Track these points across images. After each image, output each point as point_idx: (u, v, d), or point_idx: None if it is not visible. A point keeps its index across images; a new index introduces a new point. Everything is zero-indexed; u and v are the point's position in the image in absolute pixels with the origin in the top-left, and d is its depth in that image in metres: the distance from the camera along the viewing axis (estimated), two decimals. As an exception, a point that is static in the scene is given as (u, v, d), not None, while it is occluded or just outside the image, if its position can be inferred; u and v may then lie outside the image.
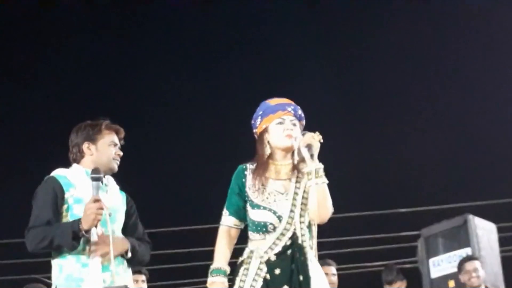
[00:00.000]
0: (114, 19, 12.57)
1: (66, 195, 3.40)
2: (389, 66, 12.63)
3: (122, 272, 3.41)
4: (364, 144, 13.03)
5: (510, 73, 11.94)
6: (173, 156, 12.37)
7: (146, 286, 6.06)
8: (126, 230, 3.58)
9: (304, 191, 3.41)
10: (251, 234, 3.45)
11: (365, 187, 12.31)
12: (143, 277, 6.00)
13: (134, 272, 5.99)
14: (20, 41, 12.35)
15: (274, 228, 3.35)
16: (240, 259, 3.44)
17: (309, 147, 3.34)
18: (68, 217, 3.38)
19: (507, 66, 11.86)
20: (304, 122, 3.55)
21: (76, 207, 3.38)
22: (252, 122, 3.58)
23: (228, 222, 3.46)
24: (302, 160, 3.41)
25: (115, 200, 3.50)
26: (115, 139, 3.59)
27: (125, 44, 12.86)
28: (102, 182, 3.40)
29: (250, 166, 3.49)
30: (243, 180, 3.45)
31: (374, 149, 12.97)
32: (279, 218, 3.36)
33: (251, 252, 3.39)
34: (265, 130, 3.48)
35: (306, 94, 12.84)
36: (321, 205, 3.29)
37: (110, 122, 3.64)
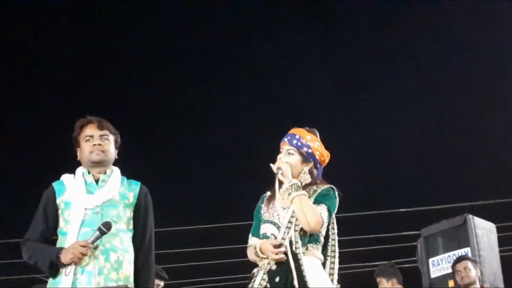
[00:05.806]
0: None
1: (58, 201, 3.47)
2: (388, 69, 12.66)
3: (115, 275, 3.37)
4: (364, 145, 13.06)
5: (510, 75, 11.96)
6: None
7: None
8: (136, 224, 3.54)
9: None
10: None
11: (365, 187, 12.33)
12: (157, 282, 5.73)
13: None
14: (21, 42, 12.37)
15: (275, 238, 3.58)
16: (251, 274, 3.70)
17: (279, 169, 3.61)
18: (61, 222, 3.45)
19: (507, 67, 11.88)
20: (306, 149, 3.73)
21: (66, 212, 3.44)
22: None
23: (251, 243, 3.76)
24: (306, 183, 3.69)
25: (110, 194, 3.49)
26: (90, 131, 3.57)
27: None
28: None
29: (268, 193, 3.82)
30: (261, 204, 3.80)
31: (374, 149, 13.00)
32: (278, 228, 3.61)
33: (259, 266, 3.63)
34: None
35: (308, 96, 12.92)
36: (306, 214, 3.53)
37: (84, 117, 3.62)
